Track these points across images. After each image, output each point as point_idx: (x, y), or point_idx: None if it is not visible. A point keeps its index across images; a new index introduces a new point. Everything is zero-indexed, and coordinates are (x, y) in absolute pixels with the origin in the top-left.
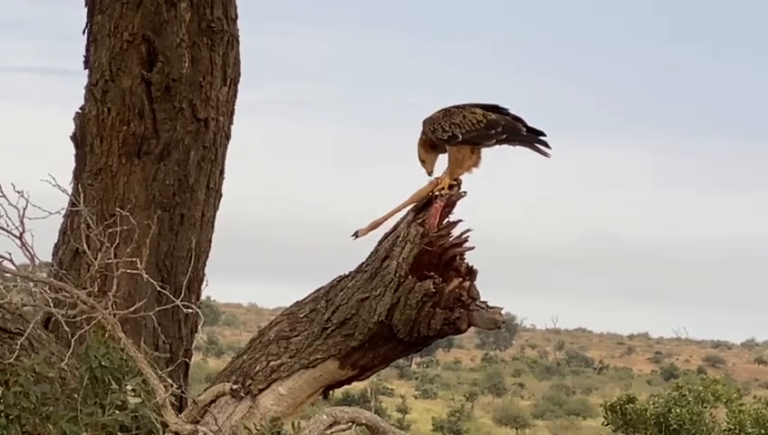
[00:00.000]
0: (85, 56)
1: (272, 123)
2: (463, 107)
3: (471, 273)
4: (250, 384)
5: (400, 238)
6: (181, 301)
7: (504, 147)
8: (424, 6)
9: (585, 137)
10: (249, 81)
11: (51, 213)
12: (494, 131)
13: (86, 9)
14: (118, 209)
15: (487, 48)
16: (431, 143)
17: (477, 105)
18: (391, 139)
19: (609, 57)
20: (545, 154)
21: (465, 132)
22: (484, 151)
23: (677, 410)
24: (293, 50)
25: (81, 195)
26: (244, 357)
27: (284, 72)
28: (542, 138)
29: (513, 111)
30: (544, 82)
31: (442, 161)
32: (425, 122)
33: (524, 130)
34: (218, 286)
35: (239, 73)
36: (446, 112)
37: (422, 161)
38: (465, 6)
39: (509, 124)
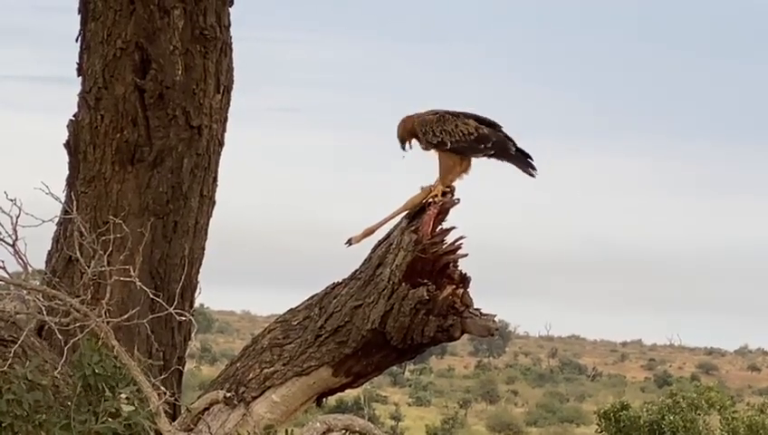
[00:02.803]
0: (78, 64)
1: (267, 130)
2: (457, 115)
3: (464, 280)
4: (243, 392)
5: (394, 246)
6: (174, 308)
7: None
8: (420, 11)
9: (578, 143)
10: (245, 88)
11: (44, 221)
12: (483, 146)
13: (79, 16)
14: (111, 217)
15: (484, 53)
16: (414, 132)
17: (473, 116)
18: (385, 144)
19: (609, 62)
20: (530, 174)
21: (454, 141)
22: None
23: (671, 418)
24: (289, 56)
25: (75, 202)
26: (238, 365)
27: (280, 79)
28: (529, 160)
29: (505, 130)
30: (540, 87)
31: (431, 167)
32: (419, 121)
33: (514, 150)
34: (212, 294)
35: (232, 81)
36: (441, 118)
37: (402, 141)
38: (462, 11)
39: (499, 142)
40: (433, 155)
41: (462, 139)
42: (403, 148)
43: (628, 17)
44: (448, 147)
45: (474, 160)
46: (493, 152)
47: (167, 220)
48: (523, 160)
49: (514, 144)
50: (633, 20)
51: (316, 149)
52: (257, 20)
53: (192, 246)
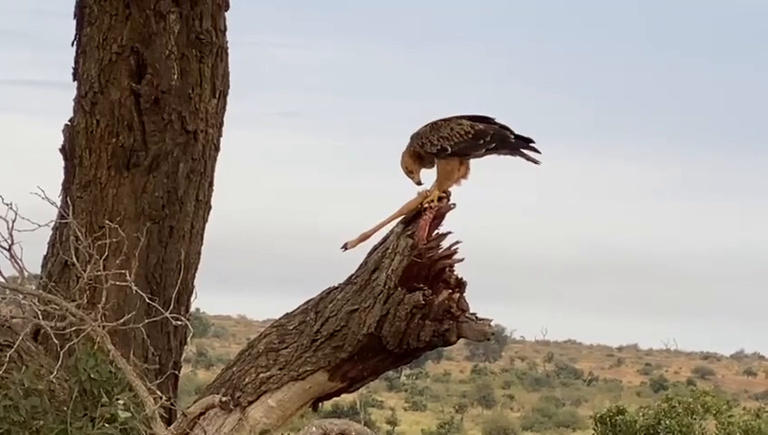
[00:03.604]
0: (74, 68)
1: (264, 134)
2: (449, 119)
3: (460, 284)
4: (239, 396)
5: (390, 250)
6: (170, 313)
7: (494, 158)
8: (418, 13)
9: (573, 146)
10: (242, 92)
11: (40, 225)
12: (482, 141)
13: (75, 21)
14: (107, 222)
15: (483, 55)
16: (418, 154)
17: (464, 117)
18: (382, 149)
19: (607, 65)
20: (535, 161)
21: (454, 144)
22: (475, 162)
23: (667, 422)
24: (287, 60)
25: (71, 207)
26: (234, 369)
27: (278, 83)
28: (530, 144)
29: (499, 120)
30: (539, 89)
31: (431, 173)
32: (413, 137)
33: (512, 137)
34: (208, 298)
35: (228, 85)
36: (434, 126)
37: (409, 172)
38: (460, 13)
39: (497, 133)
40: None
41: (461, 140)
42: (413, 179)
43: (628, 20)
44: (449, 152)
45: (472, 164)
46: (493, 145)
47: (162, 225)
48: (524, 147)
49: (512, 132)
50: (633, 22)
51: (312, 154)
52: (254, 24)
53: (188, 250)
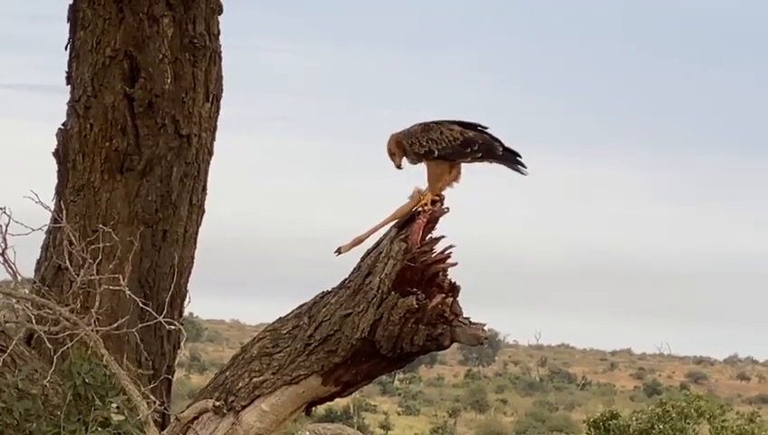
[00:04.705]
0: (67, 72)
1: (256, 138)
2: (441, 123)
3: (454, 289)
4: (233, 401)
5: (383, 254)
6: (164, 317)
7: (489, 163)
8: (411, 19)
9: (568, 152)
10: (236, 96)
11: (33, 229)
12: (469, 149)
13: (68, 25)
14: (100, 226)
15: (474, 62)
16: (402, 145)
17: (457, 122)
18: (375, 153)
19: (600, 72)
20: (522, 172)
21: (441, 148)
22: (469, 167)
23: (661, 427)
24: (281, 65)
25: (64, 211)
26: (227, 373)
27: (268, 88)
28: (518, 159)
29: (491, 131)
30: (533, 96)
31: (423, 175)
32: (404, 133)
33: (501, 149)
34: (201, 302)
35: (221, 89)
36: (425, 127)
37: (392, 154)
38: (455, 18)
39: (486, 143)
40: (423, 166)
41: (448, 145)
42: (394, 162)
43: (623, 27)
44: (436, 155)
45: (464, 169)
46: (480, 154)
47: (156, 229)
48: (511, 160)
49: (501, 144)
50: (628, 29)
51: (305, 158)
52: (247, 28)
53: (181, 254)
